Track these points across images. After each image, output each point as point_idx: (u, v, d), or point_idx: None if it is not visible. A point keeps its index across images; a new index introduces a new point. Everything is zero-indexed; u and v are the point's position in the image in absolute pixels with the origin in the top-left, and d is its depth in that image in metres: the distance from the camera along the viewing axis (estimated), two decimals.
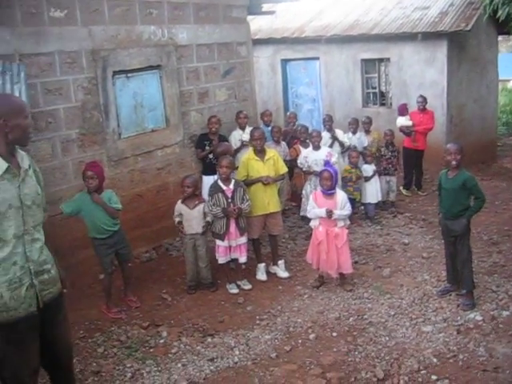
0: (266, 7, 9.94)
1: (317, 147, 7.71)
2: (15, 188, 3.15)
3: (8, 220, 3.11)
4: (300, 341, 5.15)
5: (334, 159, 7.42)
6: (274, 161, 6.51)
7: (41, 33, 6.09)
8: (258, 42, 12.69)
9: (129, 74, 7.18)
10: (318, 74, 13.10)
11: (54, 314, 3.45)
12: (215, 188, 6.17)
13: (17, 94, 5.60)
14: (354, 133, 9.06)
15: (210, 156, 7.79)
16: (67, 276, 3.77)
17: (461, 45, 11.51)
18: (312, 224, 6.21)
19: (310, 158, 7.65)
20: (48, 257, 3.38)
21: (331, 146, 8.39)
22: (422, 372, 4.52)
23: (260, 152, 6.46)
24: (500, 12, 7.78)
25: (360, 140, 9.02)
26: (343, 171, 8.32)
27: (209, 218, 6.13)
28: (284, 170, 6.75)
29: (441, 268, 6.33)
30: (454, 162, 5.43)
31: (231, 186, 6.13)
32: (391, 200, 9.19)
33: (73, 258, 6.10)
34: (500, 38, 14.27)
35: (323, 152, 7.67)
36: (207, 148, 7.83)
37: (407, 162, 9.90)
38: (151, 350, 5.08)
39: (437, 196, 10.10)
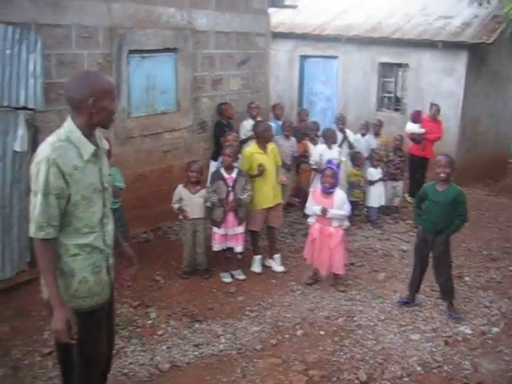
0: (288, 1, 9.88)
1: (331, 146, 7.78)
2: (98, 171, 3.00)
3: (94, 205, 2.97)
4: (287, 336, 5.14)
5: (343, 158, 7.63)
6: (273, 153, 6.61)
7: (60, 4, 6.08)
8: (279, 36, 12.66)
9: (144, 55, 7.17)
10: (335, 73, 13.04)
11: (112, 301, 3.35)
12: (217, 175, 6.18)
13: (32, 63, 5.61)
14: (364, 135, 9.03)
15: None
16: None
17: (481, 57, 11.42)
18: (309, 220, 6.21)
19: (325, 155, 7.62)
20: None
21: (340, 145, 8.35)
22: (405, 379, 4.51)
23: (263, 145, 6.49)
24: None
25: (368, 142, 8.99)
26: (350, 175, 8.30)
27: (208, 204, 6.13)
28: (280, 162, 6.88)
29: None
30: (442, 175, 5.35)
31: (233, 175, 6.13)
32: (395, 205, 9.16)
33: None
34: None
35: (335, 151, 7.70)
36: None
37: (413, 169, 9.86)
38: (138, 330, 5.10)
39: None
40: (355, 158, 8.42)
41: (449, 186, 5.42)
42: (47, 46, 5.97)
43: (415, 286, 5.85)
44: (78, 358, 3.11)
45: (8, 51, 5.40)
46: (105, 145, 3.15)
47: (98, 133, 3.09)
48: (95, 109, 2.88)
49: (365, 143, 8.95)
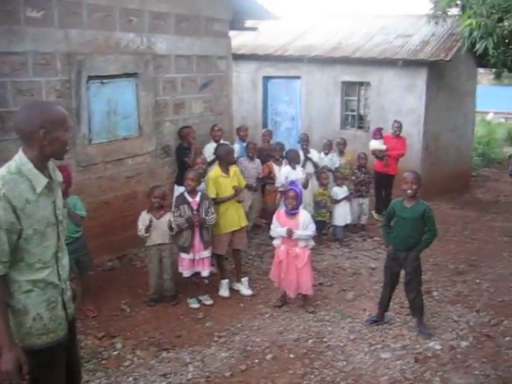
0: (249, 23, 9.95)
1: (295, 166, 7.84)
2: (51, 204, 2.90)
3: (47, 240, 2.86)
4: (256, 361, 5.06)
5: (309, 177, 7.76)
6: (237, 176, 6.61)
7: (15, 32, 5.98)
8: (241, 58, 12.71)
9: (104, 80, 7.09)
10: (298, 93, 13.14)
11: (74, 334, 3.23)
12: (181, 199, 6.14)
13: None
14: (327, 154, 9.08)
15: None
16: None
17: (440, 74, 11.66)
18: (275, 243, 6.18)
19: (290, 177, 7.62)
20: None
21: (304, 165, 8.38)
22: None
23: (226, 168, 6.48)
24: (478, 45, 7.90)
25: (332, 161, 9.04)
26: (317, 194, 8.31)
27: (174, 226, 6.05)
28: (243, 183, 6.89)
29: (404, 295, 6.30)
30: (409, 191, 5.36)
31: (197, 199, 6.10)
32: (362, 223, 9.19)
33: None
34: (482, 70, 14.49)
35: (299, 171, 7.73)
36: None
37: (377, 185, 9.95)
38: (103, 362, 4.96)
39: None
40: (321, 177, 8.44)
41: (416, 202, 5.45)
42: (3, 73, 5.88)
43: (385, 305, 5.83)
44: None
45: None
46: (58, 177, 3.05)
47: (52, 164, 2.99)
48: (47, 140, 2.78)
49: (328, 161, 9.00)
